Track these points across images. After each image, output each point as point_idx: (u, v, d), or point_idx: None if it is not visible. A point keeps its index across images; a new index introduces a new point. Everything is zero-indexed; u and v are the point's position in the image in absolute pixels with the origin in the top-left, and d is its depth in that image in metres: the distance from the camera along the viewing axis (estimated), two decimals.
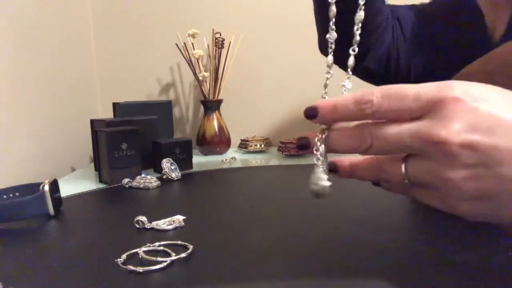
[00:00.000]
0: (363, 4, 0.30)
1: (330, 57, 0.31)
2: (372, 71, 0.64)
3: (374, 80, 0.68)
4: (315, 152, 0.29)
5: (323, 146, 0.28)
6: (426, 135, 0.24)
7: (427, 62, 0.63)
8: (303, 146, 0.30)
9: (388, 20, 0.62)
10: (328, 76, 0.31)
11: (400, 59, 0.64)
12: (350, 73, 0.30)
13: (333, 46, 0.31)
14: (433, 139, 0.23)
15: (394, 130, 0.25)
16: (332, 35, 0.31)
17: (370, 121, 0.27)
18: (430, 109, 0.24)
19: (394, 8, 0.65)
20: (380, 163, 0.28)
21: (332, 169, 0.31)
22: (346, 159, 0.31)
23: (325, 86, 0.31)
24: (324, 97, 0.31)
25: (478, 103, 0.23)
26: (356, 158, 0.30)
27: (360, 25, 0.30)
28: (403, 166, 0.26)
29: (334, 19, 0.30)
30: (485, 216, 0.25)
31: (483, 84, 0.25)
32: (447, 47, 0.62)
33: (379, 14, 0.59)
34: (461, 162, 0.23)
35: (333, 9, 0.30)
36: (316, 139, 0.29)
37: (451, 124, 0.23)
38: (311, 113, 0.28)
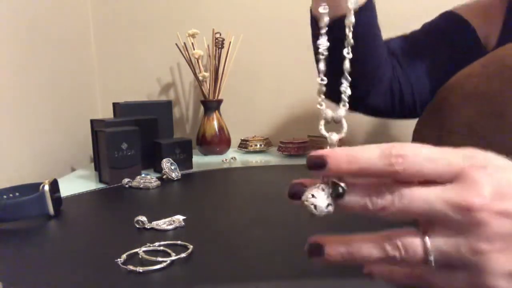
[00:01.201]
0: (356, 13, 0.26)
1: (322, 65, 0.26)
2: (378, 107, 0.64)
3: (382, 115, 0.68)
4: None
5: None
6: (458, 200, 0.22)
7: (430, 87, 0.64)
8: (294, 195, 0.25)
9: (386, 54, 0.62)
10: (321, 82, 0.26)
11: (403, 90, 0.64)
12: (349, 78, 0.26)
13: (325, 53, 0.26)
14: (466, 205, 0.22)
15: (422, 191, 0.22)
16: (323, 43, 0.26)
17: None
18: (459, 176, 0.22)
19: (387, 41, 0.65)
20: (388, 237, 0.23)
21: (315, 253, 0.24)
22: (334, 237, 0.25)
23: (320, 92, 0.26)
24: (321, 104, 0.26)
25: (502, 172, 0.23)
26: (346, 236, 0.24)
27: (352, 28, 0.26)
28: (427, 239, 0.22)
29: (326, 28, 0.26)
30: None
31: (500, 156, 0.24)
32: (445, 68, 0.62)
33: (378, 50, 0.59)
34: (495, 232, 0.21)
35: (326, 19, 0.26)
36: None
37: (482, 191, 0.22)
38: (316, 163, 0.23)
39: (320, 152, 0.23)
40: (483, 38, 0.61)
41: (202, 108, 1.03)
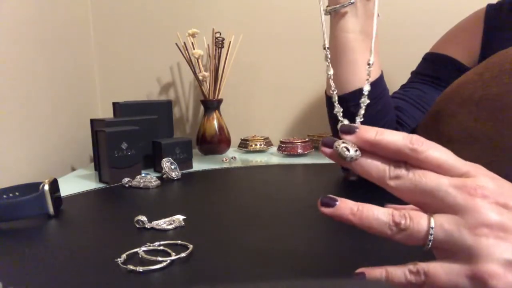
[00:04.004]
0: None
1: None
2: None
3: None
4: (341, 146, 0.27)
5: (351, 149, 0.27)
6: (464, 185, 0.24)
7: None
8: (327, 144, 0.28)
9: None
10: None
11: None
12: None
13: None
14: (469, 189, 0.23)
15: (433, 173, 0.25)
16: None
17: None
18: (466, 174, 0.25)
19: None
20: (397, 209, 0.26)
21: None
22: (353, 203, 0.27)
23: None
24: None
25: (503, 180, 0.25)
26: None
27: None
28: (432, 219, 0.24)
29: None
30: None
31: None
32: None
33: (388, 111, 0.60)
34: (495, 219, 0.23)
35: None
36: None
37: (487, 184, 0.24)
38: (348, 129, 0.27)
39: (352, 124, 0.27)
40: (470, 64, 0.64)
41: (202, 107, 1.03)
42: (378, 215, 0.25)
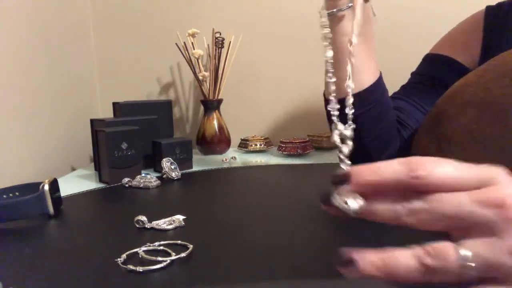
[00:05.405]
0: None
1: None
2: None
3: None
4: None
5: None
6: (488, 198, 0.21)
7: None
8: (325, 200, 0.25)
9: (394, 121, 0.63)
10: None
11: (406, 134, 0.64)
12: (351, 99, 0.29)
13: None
14: (497, 202, 0.20)
15: (449, 195, 0.21)
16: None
17: None
18: (484, 181, 0.22)
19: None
20: (420, 247, 0.22)
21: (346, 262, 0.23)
22: (372, 256, 0.23)
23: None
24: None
25: None
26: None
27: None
28: (462, 249, 0.21)
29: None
30: None
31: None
32: None
33: (388, 116, 0.60)
34: None
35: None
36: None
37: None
38: (341, 180, 0.24)
39: (343, 171, 0.24)
40: (470, 66, 0.64)
41: (202, 107, 1.03)
42: (405, 262, 0.21)
